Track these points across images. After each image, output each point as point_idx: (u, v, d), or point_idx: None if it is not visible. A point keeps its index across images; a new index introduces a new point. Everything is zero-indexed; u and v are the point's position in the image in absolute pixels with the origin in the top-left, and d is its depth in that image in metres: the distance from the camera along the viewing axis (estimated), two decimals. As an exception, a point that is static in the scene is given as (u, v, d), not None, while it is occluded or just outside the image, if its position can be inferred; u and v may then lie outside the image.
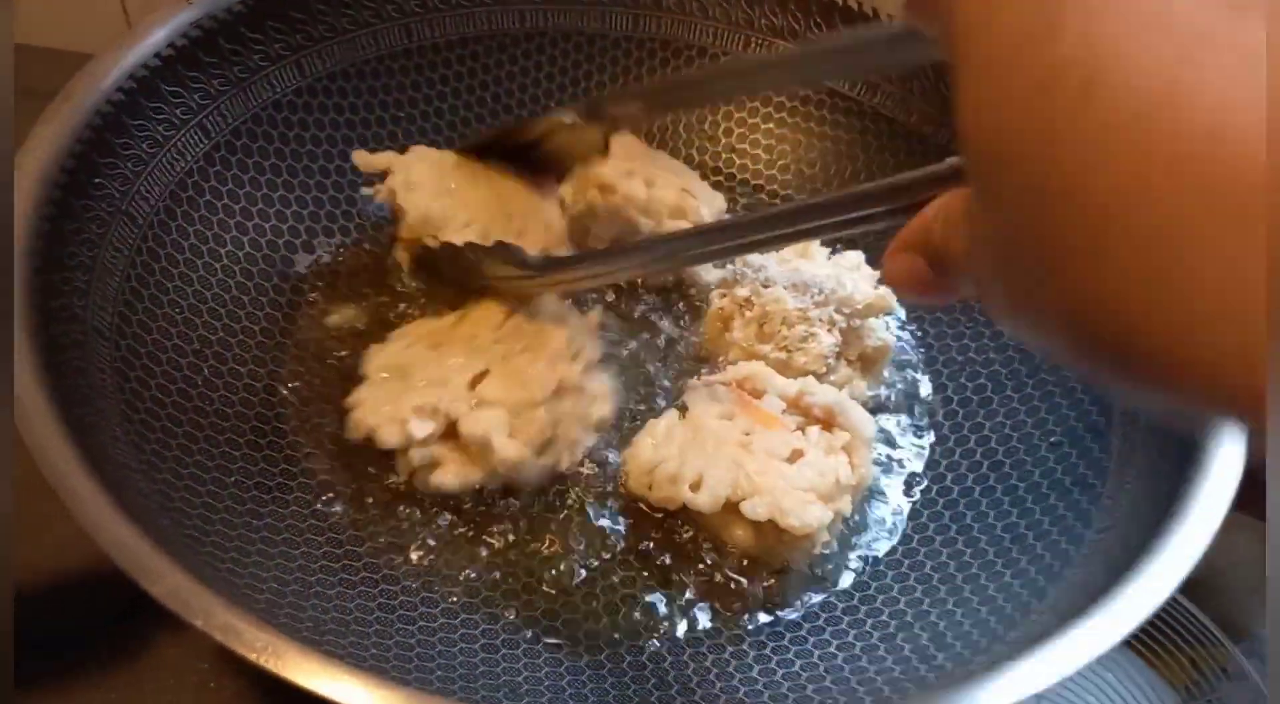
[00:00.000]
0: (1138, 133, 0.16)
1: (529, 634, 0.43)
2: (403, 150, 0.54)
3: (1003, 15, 0.19)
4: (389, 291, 0.55)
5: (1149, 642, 0.68)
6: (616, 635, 0.43)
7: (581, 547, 0.46)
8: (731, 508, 0.43)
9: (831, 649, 0.43)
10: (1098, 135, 0.17)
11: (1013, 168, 0.18)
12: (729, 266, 0.54)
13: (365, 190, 0.56)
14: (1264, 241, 0.15)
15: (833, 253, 0.56)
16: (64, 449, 0.35)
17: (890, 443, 0.52)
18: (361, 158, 0.53)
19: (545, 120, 0.51)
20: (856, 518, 0.48)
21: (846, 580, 0.46)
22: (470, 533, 0.46)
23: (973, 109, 0.19)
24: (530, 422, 0.45)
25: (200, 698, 0.45)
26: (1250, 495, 0.37)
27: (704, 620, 0.44)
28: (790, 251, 0.54)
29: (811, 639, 0.44)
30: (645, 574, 0.45)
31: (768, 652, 0.43)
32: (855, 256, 0.55)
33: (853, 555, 0.47)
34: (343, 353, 0.51)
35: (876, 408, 0.53)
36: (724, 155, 0.65)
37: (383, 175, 0.53)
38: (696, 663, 0.43)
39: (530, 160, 0.54)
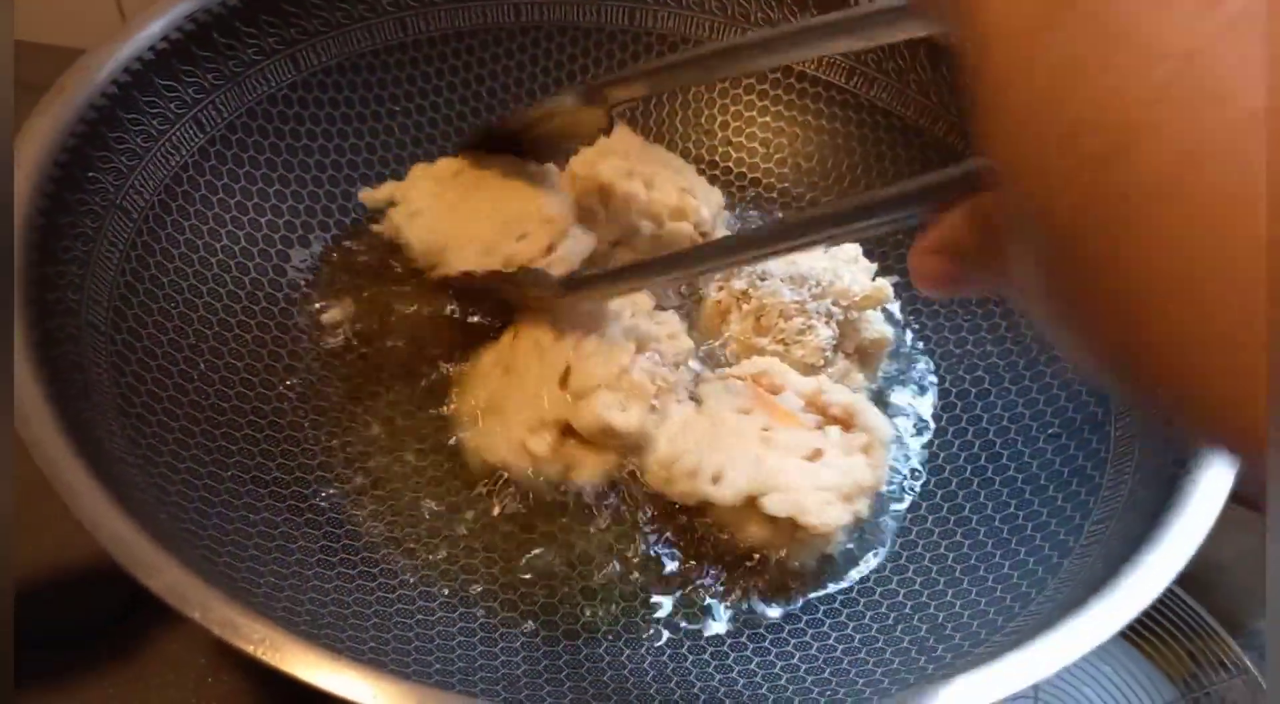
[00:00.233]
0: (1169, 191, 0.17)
1: (529, 627, 0.43)
2: (401, 148, 0.53)
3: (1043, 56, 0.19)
4: (384, 286, 0.54)
5: (1147, 634, 0.69)
6: (617, 628, 0.43)
7: (583, 539, 0.46)
8: (749, 503, 0.43)
9: (830, 642, 0.43)
10: (1129, 194, 0.17)
11: (1052, 216, 0.19)
12: (726, 260, 0.54)
13: (364, 189, 0.56)
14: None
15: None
16: (60, 444, 0.35)
17: (888, 436, 0.52)
18: (367, 196, 0.54)
19: (546, 106, 0.51)
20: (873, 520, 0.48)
21: (845, 574, 0.46)
22: (469, 526, 0.46)
23: (1008, 145, 0.20)
24: (632, 387, 0.46)
25: (200, 692, 0.45)
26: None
27: (705, 614, 0.44)
28: (787, 244, 0.54)
29: (810, 632, 0.44)
30: (646, 567, 0.45)
31: (767, 645, 0.43)
32: (852, 249, 0.54)
33: (851, 548, 0.47)
34: (338, 346, 0.51)
35: (873, 401, 0.53)
36: (720, 149, 0.65)
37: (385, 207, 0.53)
38: (696, 655, 0.43)
39: (534, 145, 0.53)
